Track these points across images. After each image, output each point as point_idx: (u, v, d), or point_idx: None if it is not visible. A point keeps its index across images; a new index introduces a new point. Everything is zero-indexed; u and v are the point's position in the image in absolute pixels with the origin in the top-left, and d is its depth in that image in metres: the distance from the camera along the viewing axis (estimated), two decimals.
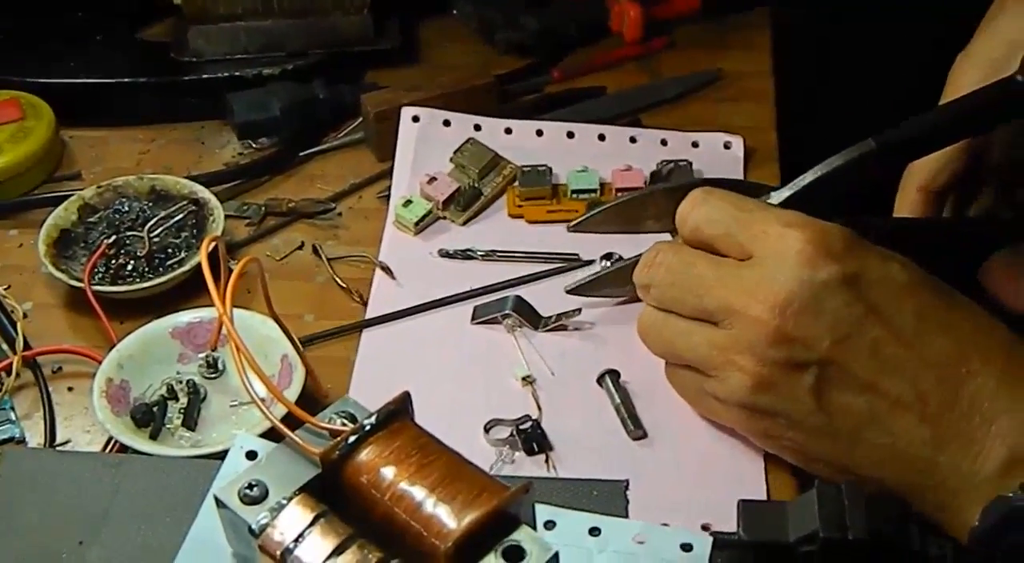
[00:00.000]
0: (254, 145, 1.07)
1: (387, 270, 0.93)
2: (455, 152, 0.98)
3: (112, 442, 0.81)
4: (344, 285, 0.93)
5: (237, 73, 1.09)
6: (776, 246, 0.72)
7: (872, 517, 0.63)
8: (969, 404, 0.69)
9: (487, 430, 0.81)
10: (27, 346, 0.87)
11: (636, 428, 0.80)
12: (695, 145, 1.02)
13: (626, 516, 0.72)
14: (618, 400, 0.82)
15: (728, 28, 1.19)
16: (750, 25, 1.19)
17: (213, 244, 0.69)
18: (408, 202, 0.96)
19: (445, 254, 0.94)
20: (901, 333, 0.70)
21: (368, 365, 0.86)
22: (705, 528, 0.74)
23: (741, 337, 0.72)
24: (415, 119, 1.02)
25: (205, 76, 1.10)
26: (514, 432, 0.80)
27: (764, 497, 0.77)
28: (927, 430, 0.69)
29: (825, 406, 0.71)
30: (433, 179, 0.97)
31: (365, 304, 0.91)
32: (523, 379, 0.84)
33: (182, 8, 1.10)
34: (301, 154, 1.05)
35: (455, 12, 1.20)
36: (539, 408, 0.82)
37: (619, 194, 0.96)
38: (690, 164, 0.98)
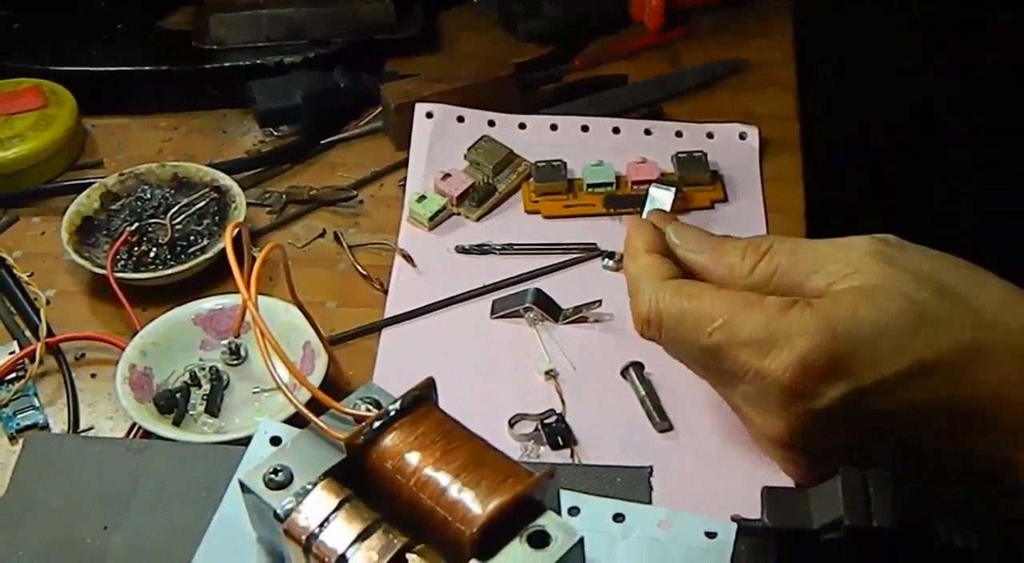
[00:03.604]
0: (275, 133, 1.07)
1: (407, 258, 0.93)
2: (469, 149, 0.98)
3: (135, 428, 0.81)
4: (365, 273, 0.93)
5: (259, 61, 1.10)
6: (760, 382, 0.67)
7: (898, 505, 0.63)
8: None
9: (511, 425, 0.80)
10: (50, 333, 0.87)
11: (662, 420, 0.80)
12: (710, 136, 1.01)
13: (650, 503, 0.72)
14: (643, 392, 0.81)
15: (749, 16, 1.18)
16: (771, 13, 1.18)
17: (237, 230, 0.69)
18: (422, 198, 0.96)
19: (462, 250, 0.93)
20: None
21: (389, 363, 0.86)
22: (735, 520, 0.73)
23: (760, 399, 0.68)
24: (429, 115, 1.01)
25: (227, 64, 1.10)
26: (539, 426, 0.80)
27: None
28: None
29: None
30: (447, 175, 0.96)
31: (386, 292, 0.91)
32: (546, 373, 0.84)
33: None
34: (322, 142, 1.05)
35: (475, 1, 1.20)
36: (563, 402, 0.82)
37: (634, 187, 0.96)
38: (705, 156, 0.97)
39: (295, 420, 0.71)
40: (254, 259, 0.67)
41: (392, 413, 0.62)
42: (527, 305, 0.87)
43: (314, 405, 0.64)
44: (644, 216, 0.80)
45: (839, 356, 0.64)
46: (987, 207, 1.51)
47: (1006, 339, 0.64)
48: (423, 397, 0.63)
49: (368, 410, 0.63)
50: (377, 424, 0.62)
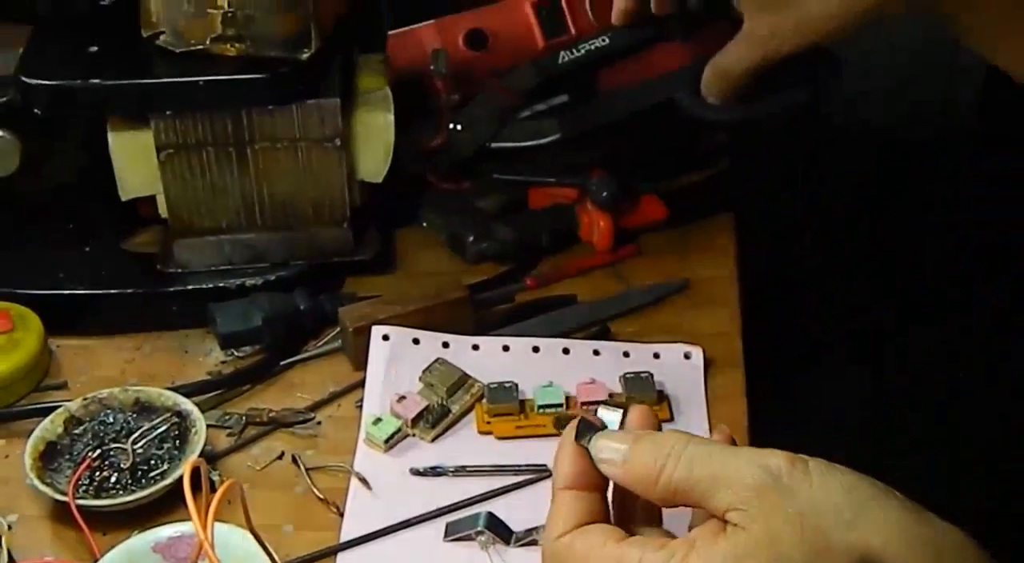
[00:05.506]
0: (237, 353, 1.10)
1: (363, 480, 0.95)
2: (424, 371, 1.01)
3: None
4: (322, 496, 0.95)
5: (221, 284, 1.13)
6: None
7: None
8: None
9: None
10: (11, 559, 0.88)
11: None
12: (656, 356, 1.05)
13: None
14: None
15: (693, 235, 1.22)
16: (716, 231, 1.23)
17: (194, 467, 0.72)
18: (378, 420, 0.98)
19: (416, 472, 0.96)
20: None
21: None
22: None
23: None
24: (385, 338, 1.05)
25: (190, 287, 1.13)
26: None
27: None
28: None
29: None
30: (403, 398, 0.99)
31: (342, 515, 0.93)
32: None
33: (168, 222, 1.14)
34: (282, 363, 1.08)
35: (424, 224, 1.24)
36: None
37: (583, 407, 0.98)
38: (651, 376, 1.00)
39: None
40: (213, 483, 0.69)
41: None
42: (479, 529, 0.89)
43: None
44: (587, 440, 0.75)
45: None
46: (982, 217, 1.52)
47: None
48: None
49: None
50: None
